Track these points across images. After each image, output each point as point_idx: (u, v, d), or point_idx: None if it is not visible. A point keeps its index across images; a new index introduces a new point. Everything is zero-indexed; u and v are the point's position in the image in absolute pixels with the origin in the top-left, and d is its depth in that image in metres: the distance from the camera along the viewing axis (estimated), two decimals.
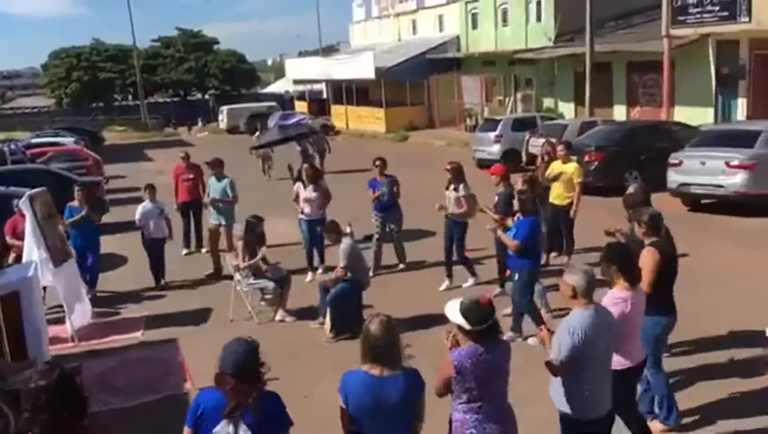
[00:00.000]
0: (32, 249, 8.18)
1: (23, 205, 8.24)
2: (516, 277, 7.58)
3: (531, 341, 7.13)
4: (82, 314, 8.87)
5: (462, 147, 26.01)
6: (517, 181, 8.46)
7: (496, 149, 20.36)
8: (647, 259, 5.37)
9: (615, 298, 4.70)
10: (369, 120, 37.25)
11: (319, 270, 10.35)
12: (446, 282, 9.60)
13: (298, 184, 10.92)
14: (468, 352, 3.88)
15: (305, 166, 11.43)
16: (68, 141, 26.16)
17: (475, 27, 35.20)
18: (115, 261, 11.87)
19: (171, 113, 52.73)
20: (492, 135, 20.75)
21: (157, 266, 10.45)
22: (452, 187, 9.36)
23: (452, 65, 35.00)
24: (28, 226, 8.26)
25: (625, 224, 6.62)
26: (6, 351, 6.26)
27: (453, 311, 3.97)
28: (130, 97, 63.20)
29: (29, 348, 6.65)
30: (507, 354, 4.04)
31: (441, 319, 7.76)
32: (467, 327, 3.89)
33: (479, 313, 3.90)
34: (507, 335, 7.77)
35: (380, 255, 10.60)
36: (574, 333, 4.15)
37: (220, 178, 10.99)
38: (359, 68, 36.78)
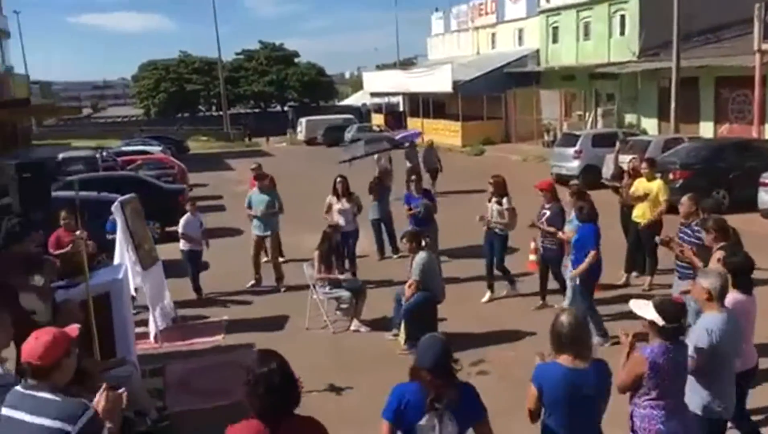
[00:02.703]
0: (122, 253, 8.55)
1: (115, 210, 8.62)
2: (576, 282, 7.77)
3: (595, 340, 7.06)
4: (165, 316, 9.21)
5: (539, 162, 25.65)
6: (564, 194, 8.67)
7: (575, 165, 19.99)
8: (716, 263, 5.49)
9: (733, 303, 4.80)
10: (445, 133, 37.24)
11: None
12: (488, 294, 9.75)
13: (331, 196, 11.08)
14: (660, 349, 4.00)
15: (375, 176, 11.66)
16: (156, 149, 27.30)
17: (555, 41, 34.76)
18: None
19: (251, 124, 54.15)
20: (571, 150, 20.40)
21: (196, 277, 10.63)
22: (495, 199, 9.51)
23: (531, 79, 34.64)
24: (119, 231, 8.64)
25: None
26: (96, 350, 6.55)
27: (645, 308, 4.10)
28: (213, 108, 65.37)
29: (118, 347, 6.95)
30: (687, 354, 4.18)
31: (508, 335, 7.72)
32: (661, 323, 4.02)
33: (674, 311, 4.05)
34: (594, 339, 7.80)
35: None
36: (713, 334, 4.35)
37: (263, 191, 11.16)
38: (437, 81, 36.86)
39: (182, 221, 10.56)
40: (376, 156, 16.86)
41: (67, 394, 3.14)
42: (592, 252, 7.63)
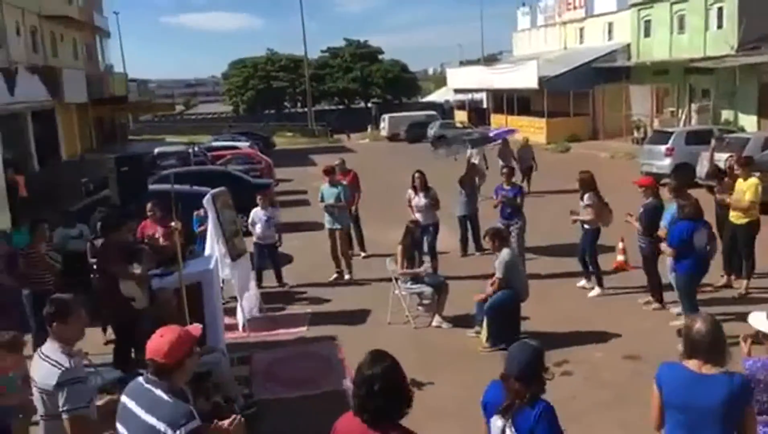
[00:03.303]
0: (213, 244, 8.86)
1: (206, 203, 8.93)
2: (679, 283, 7.81)
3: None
4: (252, 306, 9.48)
5: (628, 159, 24.88)
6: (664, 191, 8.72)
7: (666, 163, 19.24)
8: None
9: None
10: (529, 130, 36.55)
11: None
12: (584, 281, 9.93)
13: (410, 191, 11.12)
14: (765, 363, 3.86)
15: (466, 171, 11.59)
16: (244, 145, 28.06)
17: (647, 35, 33.56)
18: (281, 258, 12.51)
19: (334, 121, 54.90)
20: (663, 148, 19.65)
21: (260, 270, 10.69)
22: (586, 195, 9.55)
23: (621, 74, 33.58)
24: (210, 223, 8.95)
25: None
26: None
27: (760, 319, 4.01)
28: (299, 105, 66.66)
29: (208, 335, 7.20)
30: None
31: (594, 335, 7.53)
32: None
33: None
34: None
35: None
36: None
37: (334, 185, 11.34)
38: (522, 77, 36.31)
39: (252, 213, 10.80)
40: (468, 152, 16.51)
41: (181, 397, 3.21)
42: (670, 250, 7.67)
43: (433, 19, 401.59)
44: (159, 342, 3.19)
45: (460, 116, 47.79)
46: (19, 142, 25.47)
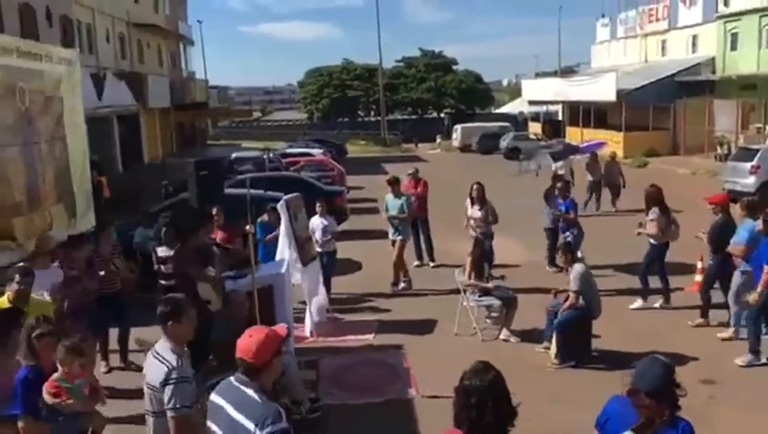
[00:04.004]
0: (284, 249, 9.02)
1: (280, 208, 9.11)
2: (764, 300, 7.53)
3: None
4: (320, 311, 9.59)
5: (710, 177, 23.99)
6: (736, 208, 8.44)
7: (751, 181, 18.46)
8: None
9: None
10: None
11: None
12: (639, 301, 9.68)
13: (467, 202, 11.05)
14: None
15: (551, 184, 11.49)
16: (317, 152, 28.44)
17: (734, 48, 32.35)
18: (350, 266, 12.64)
19: (407, 130, 55.07)
20: (748, 165, 18.85)
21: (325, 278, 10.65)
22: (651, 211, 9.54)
23: (704, 88, 32.44)
24: (283, 228, 9.12)
25: None
26: None
27: None
28: (372, 114, 67.17)
29: None
30: None
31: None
32: None
33: None
34: (745, 358, 7.52)
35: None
36: None
37: (398, 196, 11.34)
38: (599, 90, 35.57)
39: (310, 222, 10.75)
40: (554, 166, 15.98)
41: (270, 397, 3.29)
42: (766, 266, 7.28)
43: (509, 30, 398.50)
44: (248, 342, 3.26)
45: (534, 128, 47.13)
46: (105, 145, 26.61)
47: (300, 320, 9.15)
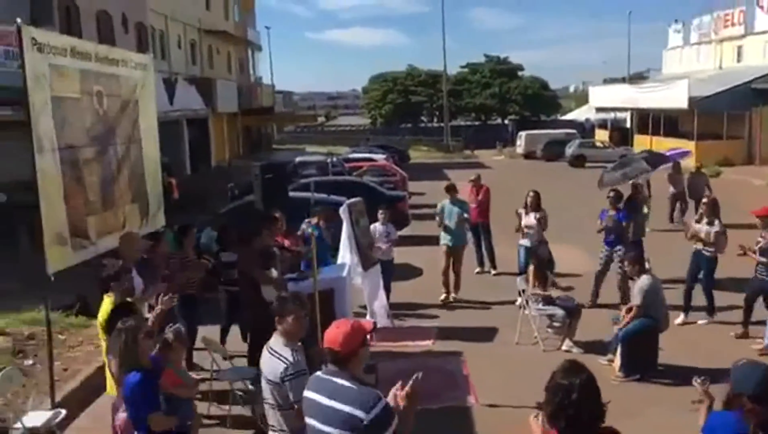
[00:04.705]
0: (346, 253, 9.09)
1: (343, 212, 9.19)
2: None
3: None
4: (380, 316, 9.62)
5: None
6: None
7: None
8: None
9: None
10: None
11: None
12: (682, 316, 9.39)
13: (521, 209, 10.77)
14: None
15: (629, 194, 11.21)
16: (380, 157, 28.58)
17: None
18: (411, 271, 12.65)
19: (469, 136, 54.76)
20: None
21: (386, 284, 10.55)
22: (705, 220, 9.31)
23: None
24: (345, 232, 9.20)
25: None
26: (319, 341, 7.02)
27: None
28: (435, 120, 67.12)
29: None
30: None
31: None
32: None
33: None
34: None
35: (599, 288, 10.40)
36: None
37: (454, 202, 11.16)
38: (670, 97, 34.57)
39: (370, 229, 10.71)
40: (648, 174, 14.83)
41: (363, 383, 3.36)
42: None
43: (577, 35, 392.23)
44: (335, 332, 3.37)
45: (601, 135, 46.18)
46: (175, 148, 27.42)
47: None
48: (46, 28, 8.90)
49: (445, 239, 11.15)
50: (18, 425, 5.85)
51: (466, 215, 11.16)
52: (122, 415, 4.87)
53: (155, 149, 9.24)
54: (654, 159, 14.30)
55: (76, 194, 7.06)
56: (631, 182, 12.31)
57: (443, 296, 10.99)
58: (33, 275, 6.89)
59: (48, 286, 6.62)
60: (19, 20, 6.26)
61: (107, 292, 5.83)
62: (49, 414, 6.17)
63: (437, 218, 11.24)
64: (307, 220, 10.20)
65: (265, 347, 4.18)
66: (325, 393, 3.34)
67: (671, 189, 16.64)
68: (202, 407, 6.71)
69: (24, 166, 6.57)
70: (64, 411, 6.25)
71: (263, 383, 4.12)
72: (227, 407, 6.80)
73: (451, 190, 11.44)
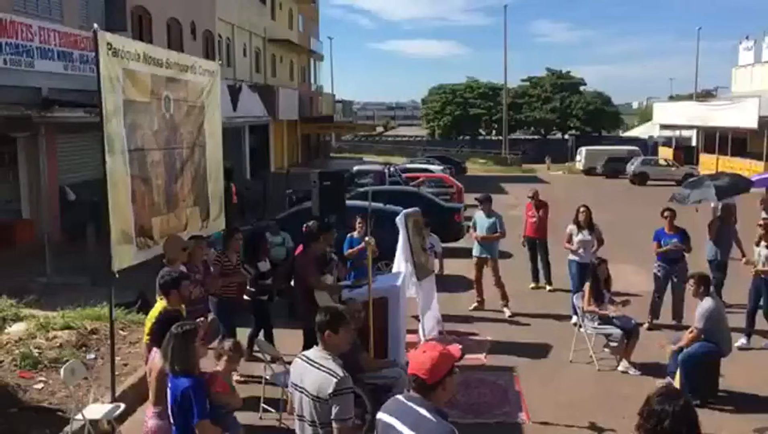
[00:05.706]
0: (401, 262, 9.10)
1: (399, 221, 9.21)
2: None
3: None
4: (432, 327, 9.59)
5: None
6: None
7: None
8: None
9: None
10: (743, 174, 33.61)
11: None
12: (743, 339, 9.22)
13: (572, 227, 10.61)
14: None
15: (718, 216, 10.97)
16: (437, 169, 28.60)
17: None
18: (464, 283, 12.55)
19: (528, 150, 54.21)
20: None
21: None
22: (764, 244, 9.13)
23: None
24: (401, 241, 9.21)
25: None
26: (371, 348, 7.05)
27: None
28: (493, 133, 66.73)
29: (390, 350, 7.42)
30: None
31: None
32: None
33: None
34: None
35: (659, 308, 10.13)
36: None
37: (489, 215, 11.06)
38: (740, 115, 33.57)
39: None
40: (712, 204, 13.94)
41: (442, 415, 3.17)
42: None
43: (642, 51, 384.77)
44: (422, 358, 3.16)
45: (665, 153, 45.08)
46: (236, 153, 28.01)
47: (412, 334, 9.19)
48: (120, 34, 9.20)
49: (475, 250, 11.19)
50: (79, 416, 6.04)
51: (498, 228, 11.06)
52: (152, 422, 4.86)
53: (219, 154, 9.45)
54: (730, 185, 13.36)
55: (143, 195, 7.27)
56: (721, 204, 11.79)
57: (474, 304, 11.09)
58: (99, 271, 7.11)
59: (112, 283, 6.83)
60: (96, 26, 6.51)
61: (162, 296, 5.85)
62: (108, 407, 6.36)
63: (470, 230, 11.23)
64: (348, 234, 10.30)
65: (299, 358, 4.04)
66: (407, 422, 3.15)
67: (763, 214, 15.59)
68: (245, 416, 6.79)
69: (94, 166, 6.81)
70: (123, 405, 6.44)
71: (296, 396, 3.97)
72: (276, 412, 6.86)
73: (483, 201, 11.38)
